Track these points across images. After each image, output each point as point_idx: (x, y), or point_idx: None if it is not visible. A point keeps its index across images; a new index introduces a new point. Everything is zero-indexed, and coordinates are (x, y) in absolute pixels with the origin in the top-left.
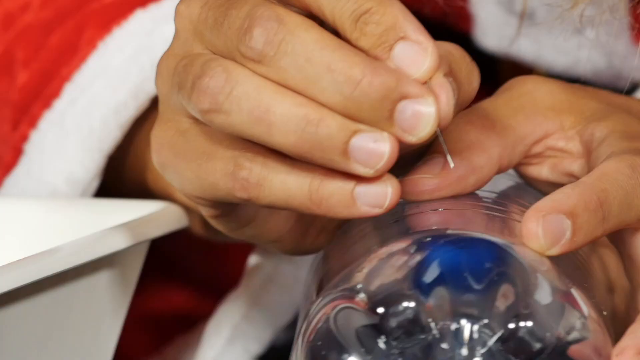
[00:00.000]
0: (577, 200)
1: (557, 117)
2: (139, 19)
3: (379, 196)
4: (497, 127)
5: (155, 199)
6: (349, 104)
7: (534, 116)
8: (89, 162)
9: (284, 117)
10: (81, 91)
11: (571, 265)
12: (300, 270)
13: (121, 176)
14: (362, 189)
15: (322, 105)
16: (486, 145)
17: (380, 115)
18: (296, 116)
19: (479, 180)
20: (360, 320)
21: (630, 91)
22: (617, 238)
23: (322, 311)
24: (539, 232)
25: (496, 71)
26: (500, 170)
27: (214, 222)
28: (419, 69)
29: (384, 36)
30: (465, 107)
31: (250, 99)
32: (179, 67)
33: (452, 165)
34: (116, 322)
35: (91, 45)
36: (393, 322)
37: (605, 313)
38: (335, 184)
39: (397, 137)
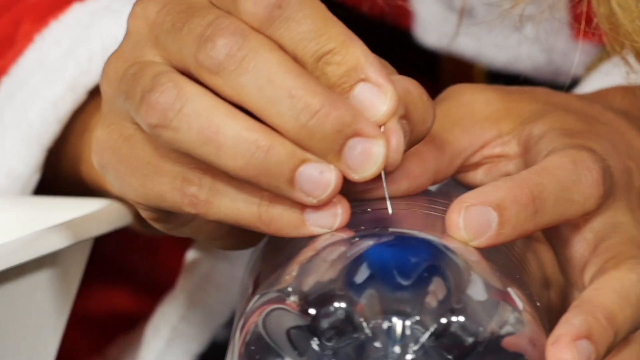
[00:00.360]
0: (506, 192)
1: (495, 126)
2: (77, 12)
3: (329, 217)
4: (435, 141)
5: (89, 190)
6: (303, 132)
7: (471, 129)
8: (29, 157)
9: (233, 139)
10: (19, 85)
11: (505, 258)
12: (236, 269)
13: (58, 169)
14: (312, 210)
15: (274, 129)
16: (424, 156)
17: (330, 148)
18: (246, 140)
19: (412, 187)
20: (292, 321)
21: (570, 87)
22: (553, 234)
23: (255, 314)
24: (460, 223)
25: (437, 66)
26: (435, 182)
27: (152, 223)
28: (376, 112)
29: (344, 77)
30: (415, 144)
31: (201, 118)
32: (128, 74)
33: (390, 211)
34: (59, 322)
35: (28, 38)
36: (325, 323)
37: (539, 304)
38: (285, 206)
39: (342, 171)
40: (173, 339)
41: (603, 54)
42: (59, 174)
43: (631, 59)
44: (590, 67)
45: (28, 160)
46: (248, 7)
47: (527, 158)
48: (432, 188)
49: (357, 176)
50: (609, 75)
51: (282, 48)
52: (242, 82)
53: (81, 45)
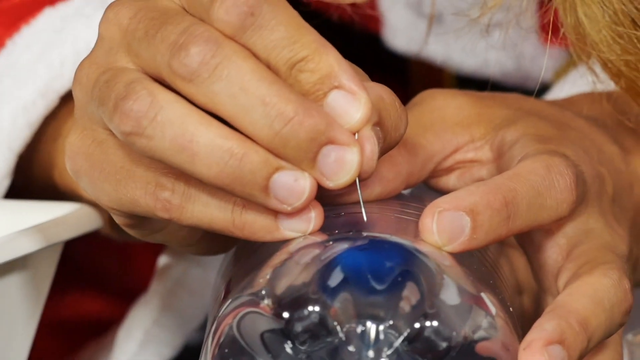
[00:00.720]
0: (480, 197)
1: (467, 131)
2: (48, 17)
3: (303, 222)
4: (407, 145)
5: (62, 196)
6: (276, 140)
7: (443, 133)
8: (0, 162)
9: (207, 147)
10: None
11: (478, 263)
12: (209, 273)
13: (30, 174)
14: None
15: (248, 137)
16: (397, 160)
17: (304, 155)
18: (220, 148)
19: (385, 191)
20: (266, 325)
21: (540, 92)
22: (526, 240)
23: (228, 317)
24: (433, 228)
25: (407, 70)
26: (407, 186)
27: (125, 229)
28: (350, 119)
29: (318, 84)
30: (388, 151)
31: (175, 126)
32: (101, 81)
33: (365, 218)
34: (30, 326)
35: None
36: (299, 327)
37: (511, 309)
38: (259, 210)
39: (316, 179)
40: (146, 343)
41: (571, 59)
42: (31, 180)
43: (597, 68)
44: (559, 73)
45: None
46: (221, 14)
47: (500, 163)
48: (405, 192)
49: (331, 184)
50: (575, 85)
51: (255, 56)
52: (215, 89)
53: (52, 50)
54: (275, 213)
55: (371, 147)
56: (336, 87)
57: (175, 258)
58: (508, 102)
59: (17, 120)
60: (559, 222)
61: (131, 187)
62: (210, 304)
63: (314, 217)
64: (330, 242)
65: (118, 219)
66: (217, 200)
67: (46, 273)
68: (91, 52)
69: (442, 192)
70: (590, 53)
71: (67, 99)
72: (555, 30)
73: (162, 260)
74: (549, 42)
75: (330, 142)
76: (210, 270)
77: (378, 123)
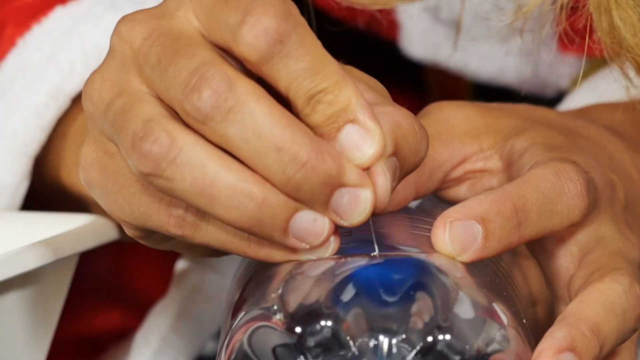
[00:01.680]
0: (490, 206)
1: (475, 141)
2: (58, 16)
3: (322, 249)
4: None
5: (70, 195)
6: (290, 184)
7: (451, 142)
8: (16, 167)
9: (227, 191)
10: (1, 93)
11: (492, 274)
12: (225, 279)
13: (42, 174)
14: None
15: (265, 179)
16: None
17: (318, 199)
18: (241, 192)
19: (393, 203)
20: (278, 339)
21: (556, 99)
22: (539, 249)
23: (240, 331)
24: (446, 238)
25: (423, 77)
26: (417, 197)
27: (136, 239)
28: (363, 155)
29: (334, 117)
30: (407, 175)
31: (194, 170)
32: (116, 106)
33: (376, 252)
34: (44, 339)
35: (10, 42)
36: (311, 341)
37: (525, 321)
38: (268, 232)
39: (330, 219)
40: (162, 350)
41: (589, 67)
42: (43, 179)
43: (631, 73)
44: (576, 80)
45: (15, 170)
46: (250, 39)
47: (510, 172)
48: (414, 204)
49: (346, 223)
50: (585, 97)
51: (275, 85)
52: (228, 133)
53: (61, 51)
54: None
55: (383, 182)
56: (351, 121)
57: (192, 264)
58: (517, 112)
59: (31, 124)
60: (571, 229)
61: (144, 202)
62: (224, 311)
63: (333, 242)
64: (342, 258)
65: (129, 231)
66: None
67: (61, 286)
68: (102, 64)
69: (452, 203)
70: (624, 57)
71: (76, 99)
72: (577, 34)
73: (180, 266)
74: (571, 48)
75: (344, 185)
76: (227, 276)
77: (395, 152)
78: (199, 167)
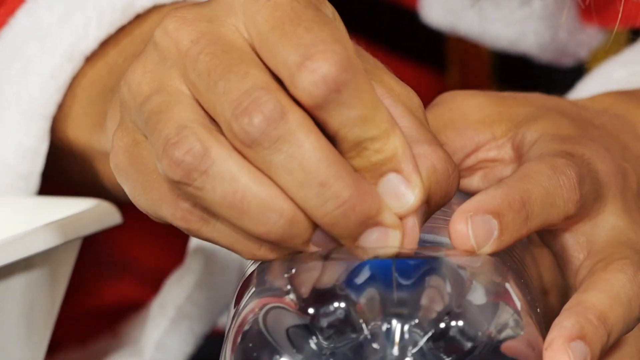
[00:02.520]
0: (502, 200)
1: (488, 129)
2: None
3: (334, 242)
4: None
5: (73, 150)
6: (326, 219)
7: (464, 130)
8: (35, 129)
9: (258, 208)
10: (13, 54)
11: (509, 260)
12: None
13: (56, 134)
14: (318, 236)
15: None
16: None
17: (350, 234)
18: (271, 209)
19: None
20: (290, 320)
21: (575, 70)
22: (551, 238)
23: (252, 310)
24: (470, 233)
25: (442, 47)
26: None
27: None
28: (401, 205)
29: (379, 164)
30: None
31: (225, 183)
32: (153, 103)
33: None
34: (48, 320)
35: None
36: (324, 322)
37: (539, 310)
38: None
39: (351, 249)
40: (178, 319)
41: (608, 40)
42: (55, 136)
43: None
44: (596, 53)
45: (35, 133)
46: (307, 86)
47: (520, 163)
48: None
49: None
50: (608, 78)
51: (325, 126)
52: (274, 160)
53: (75, 11)
54: (308, 238)
55: (412, 229)
56: (395, 170)
57: None
58: (530, 100)
59: (47, 87)
60: (571, 221)
61: (157, 192)
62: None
63: None
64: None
65: (153, 217)
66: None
67: (65, 268)
68: (143, 54)
69: (466, 192)
70: None
71: (89, 57)
72: (596, 7)
73: (194, 240)
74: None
75: (378, 224)
76: None
77: (427, 199)
78: (231, 180)
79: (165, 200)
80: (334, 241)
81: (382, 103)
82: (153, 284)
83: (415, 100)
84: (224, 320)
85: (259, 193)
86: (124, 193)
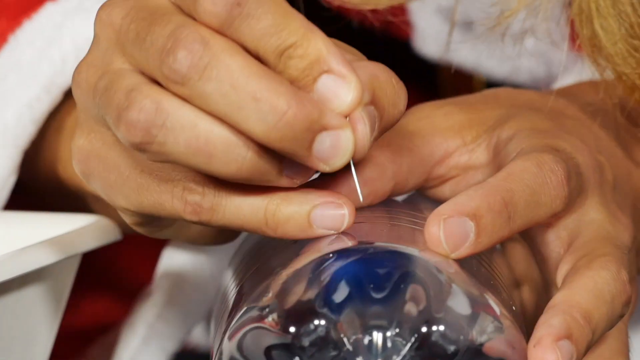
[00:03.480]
0: (480, 201)
1: (457, 135)
2: (49, 11)
3: (336, 219)
4: (391, 146)
5: (66, 189)
6: (272, 134)
7: (431, 138)
8: (5, 159)
9: (224, 146)
10: None
11: (477, 265)
12: (213, 267)
13: (36, 169)
14: (319, 213)
15: (244, 133)
16: (379, 160)
17: (301, 145)
18: (237, 145)
19: (372, 193)
20: (272, 340)
21: None
22: (529, 235)
23: (235, 333)
24: (441, 236)
25: (436, 77)
26: (397, 189)
27: (133, 227)
28: (341, 102)
29: (307, 69)
30: (389, 129)
31: (186, 130)
32: (100, 87)
33: (361, 199)
34: (49, 337)
35: (2, 38)
36: (306, 341)
37: (514, 308)
38: (292, 209)
39: (311, 164)
40: (149, 337)
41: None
42: (37, 174)
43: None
44: None
45: (4, 163)
46: (207, 6)
47: (497, 161)
48: (399, 199)
49: (327, 167)
50: (580, 75)
51: (244, 46)
52: (207, 90)
53: (53, 45)
54: (308, 211)
55: (362, 128)
56: (325, 72)
57: (178, 252)
58: (500, 101)
59: (22, 117)
60: (558, 216)
61: (155, 191)
62: (214, 298)
63: (347, 215)
64: (332, 255)
65: (129, 219)
66: (250, 202)
67: (64, 284)
68: (88, 53)
69: (438, 201)
70: (605, 66)
71: (69, 94)
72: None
73: (166, 254)
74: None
75: (324, 128)
76: (214, 264)
77: (372, 102)
78: (191, 126)
79: (168, 199)
80: (304, 168)
81: (295, 12)
82: (124, 302)
83: (358, 52)
84: (195, 337)
85: (221, 132)
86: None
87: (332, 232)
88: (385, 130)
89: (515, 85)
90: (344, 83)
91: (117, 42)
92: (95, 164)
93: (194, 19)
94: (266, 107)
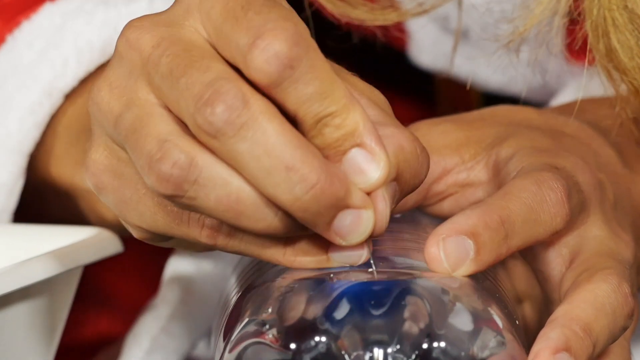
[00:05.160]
0: (477, 219)
1: (455, 153)
2: (48, 13)
3: (355, 257)
4: None
5: (58, 187)
6: (297, 205)
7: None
8: (11, 165)
9: (254, 206)
10: None
11: (482, 278)
12: (218, 280)
13: (35, 170)
14: (338, 252)
15: (268, 199)
16: None
17: (323, 220)
18: (267, 205)
19: None
20: (272, 356)
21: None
22: (530, 253)
23: (234, 348)
24: (441, 256)
25: (433, 87)
26: (397, 207)
27: (142, 239)
28: (367, 180)
29: (341, 140)
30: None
31: (218, 188)
32: (127, 121)
33: (375, 274)
34: (49, 350)
35: None
36: (306, 357)
37: (517, 322)
38: (312, 245)
39: (328, 237)
40: (153, 350)
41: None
42: (36, 174)
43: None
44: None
45: (10, 169)
46: (260, 64)
47: (498, 180)
48: (397, 216)
49: (344, 242)
50: (578, 91)
51: (283, 106)
52: (239, 149)
53: (54, 48)
54: (327, 247)
55: (383, 207)
56: (357, 145)
57: (183, 264)
58: (497, 118)
59: (25, 122)
60: (559, 234)
61: (172, 212)
62: (217, 310)
63: (366, 253)
64: (333, 273)
65: (138, 234)
66: (270, 243)
67: (66, 297)
68: (108, 70)
69: (437, 217)
70: (621, 80)
71: (68, 95)
72: (581, 49)
73: (170, 266)
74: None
75: (348, 207)
76: (219, 277)
77: (396, 177)
78: (223, 184)
79: (185, 222)
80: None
81: (339, 79)
82: (127, 318)
83: (380, 97)
84: (198, 351)
85: (252, 192)
86: (110, 227)
87: (349, 266)
88: (403, 198)
89: (511, 96)
90: (373, 160)
91: (142, 69)
92: (110, 179)
93: (231, 64)
94: (296, 177)
